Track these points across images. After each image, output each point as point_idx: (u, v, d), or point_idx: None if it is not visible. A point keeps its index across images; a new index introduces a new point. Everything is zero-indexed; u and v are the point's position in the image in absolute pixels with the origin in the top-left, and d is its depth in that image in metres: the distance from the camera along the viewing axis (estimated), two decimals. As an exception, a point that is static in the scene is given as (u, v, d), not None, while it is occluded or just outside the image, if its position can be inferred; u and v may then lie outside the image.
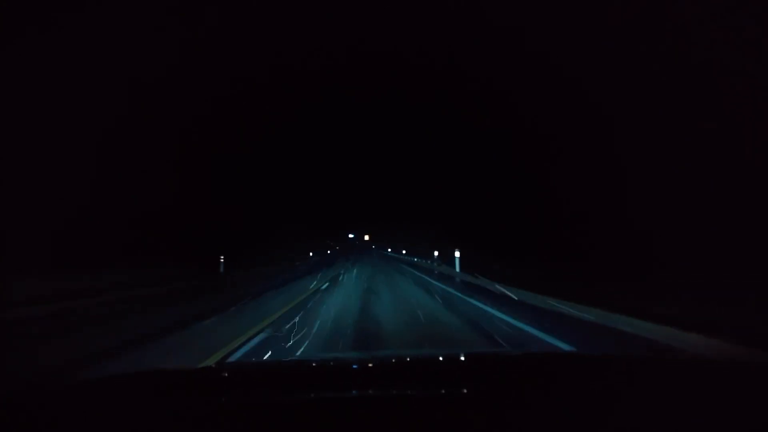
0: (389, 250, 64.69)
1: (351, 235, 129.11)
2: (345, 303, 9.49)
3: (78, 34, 11.91)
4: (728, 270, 8.28)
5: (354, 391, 1.29)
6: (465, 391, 1.22)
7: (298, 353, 4.99)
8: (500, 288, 12.13)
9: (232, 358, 4.53)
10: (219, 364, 1.47)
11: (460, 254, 20.94)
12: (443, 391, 1.21)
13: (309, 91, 42.13)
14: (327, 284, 14.15)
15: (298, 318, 7.27)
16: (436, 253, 27.09)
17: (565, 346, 5.24)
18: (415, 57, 35.93)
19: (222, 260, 19.35)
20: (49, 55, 11.31)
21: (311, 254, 45.33)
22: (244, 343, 5.41)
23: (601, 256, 13.52)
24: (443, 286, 14.00)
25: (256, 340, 5.63)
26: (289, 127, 41.02)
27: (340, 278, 17.15)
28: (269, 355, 4.74)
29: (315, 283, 14.72)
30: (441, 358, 1.94)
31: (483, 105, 28.57)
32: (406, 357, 2.08)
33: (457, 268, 20.44)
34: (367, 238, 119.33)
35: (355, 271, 22.20)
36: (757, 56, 9.34)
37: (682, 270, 9.04)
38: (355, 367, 1.74)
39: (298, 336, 5.82)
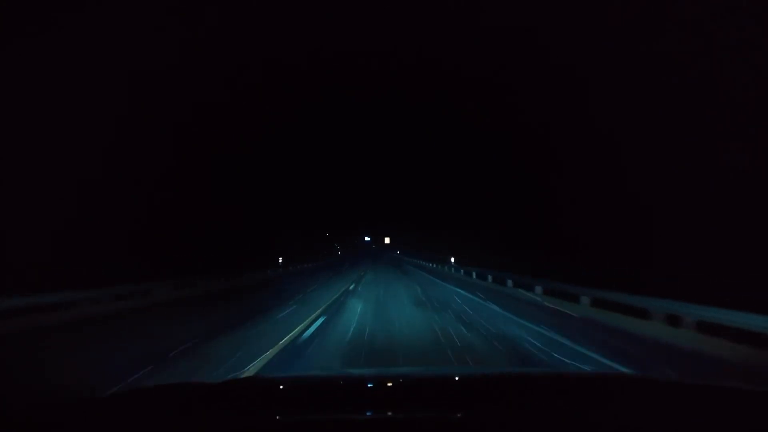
0: (451, 261, 29.18)
1: (367, 238, 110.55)
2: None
3: (77, 34, 11.89)
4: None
5: (369, 413, 1.28)
6: (475, 413, 1.21)
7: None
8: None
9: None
10: (238, 380, 1.45)
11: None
12: (454, 413, 1.20)
13: (309, 91, 42.07)
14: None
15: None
16: None
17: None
18: (414, 57, 35.93)
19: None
20: (49, 55, 11.28)
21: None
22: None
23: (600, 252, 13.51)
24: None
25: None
26: (289, 127, 40.96)
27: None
28: None
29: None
30: (456, 378, 1.93)
31: (483, 105, 28.57)
32: (420, 375, 2.07)
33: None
34: (387, 241, 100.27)
35: None
36: (757, 56, 9.34)
37: (682, 269, 9.04)
38: (370, 385, 1.74)
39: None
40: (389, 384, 1.78)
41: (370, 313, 9.50)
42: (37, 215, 11.29)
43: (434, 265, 34.50)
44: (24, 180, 11.14)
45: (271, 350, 5.73)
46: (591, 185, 15.97)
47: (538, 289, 13.23)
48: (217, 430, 1.05)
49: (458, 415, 1.17)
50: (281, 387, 1.69)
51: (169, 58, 16.55)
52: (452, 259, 28.53)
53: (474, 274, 21.97)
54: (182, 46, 17.23)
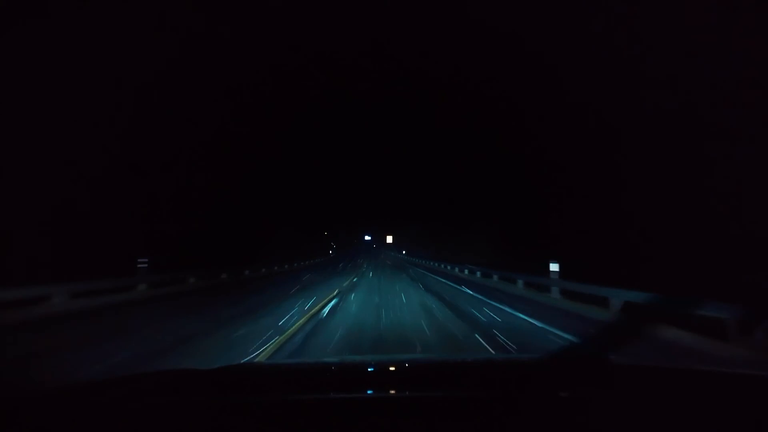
0: (554, 271, 12.13)
1: (367, 237, 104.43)
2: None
3: (78, 34, 11.85)
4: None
5: (369, 391, 1.28)
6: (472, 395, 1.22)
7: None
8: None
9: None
10: (236, 366, 1.49)
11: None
12: (456, 395, 1.21)
13: (310, 90, 42.04)
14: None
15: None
16: None
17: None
18: (418, 61, 35.92)
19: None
20: (52, 54, 11.26)
21: None
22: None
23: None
24: None
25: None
26: (291, 126, 40.94)
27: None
28: None
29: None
30: (454, 363, 1.95)
31: (484, 105, 28.54)
32: (421, 361, 2.10)
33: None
34: (390, 240, 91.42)
35: None
36: (758, 57, 9.30)
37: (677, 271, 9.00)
38: (371, 369, 1.75)
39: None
40: (386, 368, 1.81)
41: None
42: (42, 217, 11.34)
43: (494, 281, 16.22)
44: (26, 178, 11.12)
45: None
46: (592, 185, 15.91)
47: None
48: (214, 414, 1.06)
49: (452, 397, 1.18)
50: (280, 372, 1.72)
51: (175, 57, 16.67)
52: (554, 267, 12.36)
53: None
54: (191, 48, 17.36)
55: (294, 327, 6.94)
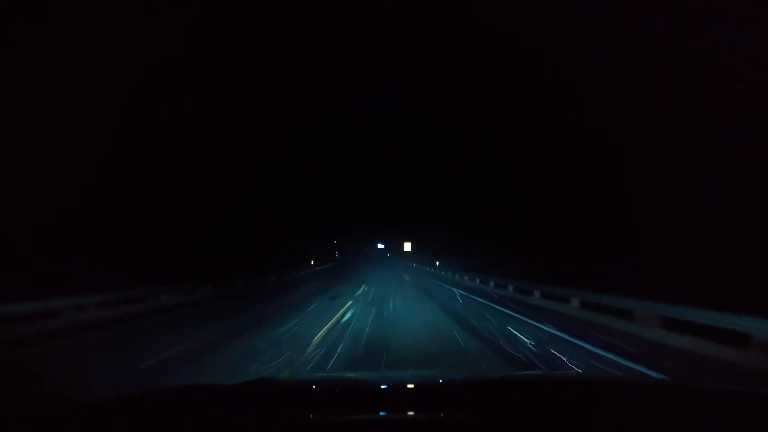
0: None
1: (380, 245, 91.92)
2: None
3: (78, 29, 11.88)
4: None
5: (383, 413, 1.28)
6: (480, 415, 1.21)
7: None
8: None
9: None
10: (246, 382, 1.50)
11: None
12: (468, 415, 1.21)
13: (314, 92, 42.06)
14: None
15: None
16: None
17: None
18: (418, 61, 35.94)
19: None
20: (49, 50, 11.24)
21: None
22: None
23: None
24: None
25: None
26: (294, 127, 40.96)
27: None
28: None
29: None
30: (466, 381, 1.95)
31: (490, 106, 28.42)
32: (430, 380, 2.11)
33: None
34: (407, 247, 75.41)
35: None
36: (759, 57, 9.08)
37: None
38: (384, 387, 1.75)
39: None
40: (402, 387, 1.79)
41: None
42: (39, 223, 11.34)
43: None
44: (13, 185, 11.08)
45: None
46: (597, 187, 15.69)
47: None
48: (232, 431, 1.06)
49: (472, 418, 1.17)
50: (298, 388, 1.73)
51: (173, 58, 16.69)
52: None
53: None
54: (185, 47, 17.37)
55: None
